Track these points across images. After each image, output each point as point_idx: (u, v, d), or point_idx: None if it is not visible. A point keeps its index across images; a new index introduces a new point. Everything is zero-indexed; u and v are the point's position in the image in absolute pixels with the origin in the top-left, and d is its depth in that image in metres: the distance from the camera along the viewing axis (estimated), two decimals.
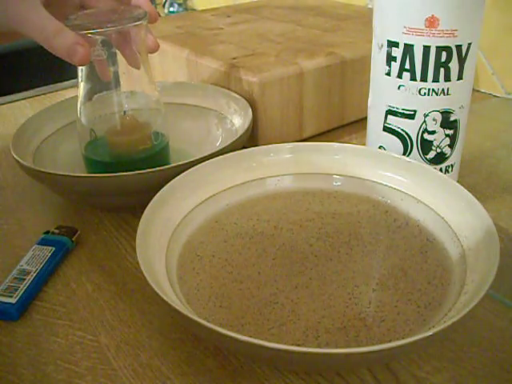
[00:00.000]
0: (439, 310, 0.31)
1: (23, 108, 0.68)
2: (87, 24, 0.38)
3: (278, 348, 0.24)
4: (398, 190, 0.40)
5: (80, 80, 0.43)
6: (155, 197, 0.36)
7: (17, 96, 0.72)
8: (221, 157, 0.41)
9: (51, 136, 0.49)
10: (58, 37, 0.36)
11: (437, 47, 0.36)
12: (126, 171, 0.38)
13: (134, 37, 0.41)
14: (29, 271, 0.36)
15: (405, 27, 0.37)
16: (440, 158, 0.41)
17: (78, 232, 0.41)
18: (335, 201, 0.41)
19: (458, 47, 0.36)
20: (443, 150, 0.40)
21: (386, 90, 0.40)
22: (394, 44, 0.38)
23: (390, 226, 0.38)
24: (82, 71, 0.42)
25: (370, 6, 0.78)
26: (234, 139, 0.43)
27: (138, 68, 0.43)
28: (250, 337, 0.24)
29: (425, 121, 0.39)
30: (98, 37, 0.40)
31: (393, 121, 0.40)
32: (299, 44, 0.58)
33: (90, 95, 0.43)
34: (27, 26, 0.37)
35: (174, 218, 0.37)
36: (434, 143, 0.40)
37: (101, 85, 0.43)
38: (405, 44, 0.37)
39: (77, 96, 0.44)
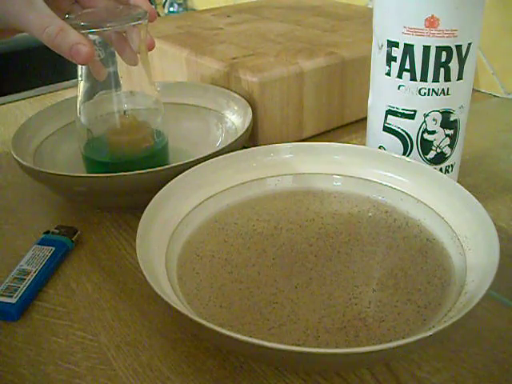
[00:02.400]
0: (439, 310, 0.31)
1: (23, 108, 0.68)
2: (87, 23, 0.38)
3: (277, 348, 0.24)
4: (398, 190, 0.40)
5: (80, 79, 0.42)
6: (155, 197, 0.36)
7: (17, 96, 0.72)
8: (221, 157, 0.41)
9: (51, 136, 0.49)
10: (60, 36, 0.36)
11: (437, 47, 0.36)
12: (126, 171, 0.38)
13: (133, 36, 0.41)
14: (29, 271, 0.36)
15: (405, 27, 0.37)
16: (440, 158, 0.41)
17: (78, 232, 0.41)
18: (335, 201, 0.41)
19: (458, 47, 0.36)
20: (443, 149, 0.40)
21: (386, 90, 0.40)
22: (394, 44, 0.38)
23: (390, 226, 0.38)
24: (82, 70, 0.42)
25: (369, 6, 0.78)
26: (234, 139, 0.43)
27: (136, 64, 0.43)
28: (250, 337, 0.24)
29: (425, 121, 0.39)
30: (97, 36, 0.40)
31: (393, 121, 0.40)
32: (299, 44, 0.58)
33: (89, 94, 0.43)
34: (29, 25, 0.37)
35: (174, 218, 0.37)
36: (434, 143, 0.40)
37: (101, 84, 0.43)
38: (405, 44, 0.37)
39: (76, 96, 0.43)
